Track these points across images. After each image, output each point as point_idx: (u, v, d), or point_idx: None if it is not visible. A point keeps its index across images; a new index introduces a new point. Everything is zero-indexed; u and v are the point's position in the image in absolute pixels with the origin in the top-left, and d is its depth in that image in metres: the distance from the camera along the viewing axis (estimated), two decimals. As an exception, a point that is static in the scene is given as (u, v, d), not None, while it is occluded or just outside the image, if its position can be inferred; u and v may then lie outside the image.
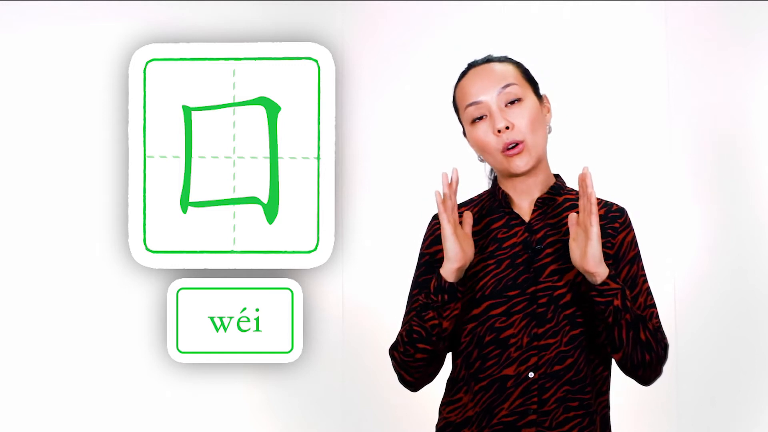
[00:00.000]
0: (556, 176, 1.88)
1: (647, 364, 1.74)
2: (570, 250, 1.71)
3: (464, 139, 1.89)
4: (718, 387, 3.00)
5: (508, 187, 1.84)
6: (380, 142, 3.21)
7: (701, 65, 3.05)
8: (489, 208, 1.85)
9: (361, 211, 3.21)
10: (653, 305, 1.80)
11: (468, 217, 1.76)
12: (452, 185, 1.73)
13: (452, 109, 1.91)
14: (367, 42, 3.21)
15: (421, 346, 1.75)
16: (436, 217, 1.87)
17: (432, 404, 1.89)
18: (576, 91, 2.97)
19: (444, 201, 1.72)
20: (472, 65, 1.85)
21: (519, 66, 1.83)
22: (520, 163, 1.77)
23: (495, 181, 1.88)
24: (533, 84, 1.83)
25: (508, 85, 1.78)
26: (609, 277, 1.68)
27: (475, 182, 2.01)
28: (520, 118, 1.77)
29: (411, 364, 1.78)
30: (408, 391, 1.85)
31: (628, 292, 1.72)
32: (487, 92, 1.78)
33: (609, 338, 1.71)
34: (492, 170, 1.91)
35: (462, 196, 1.92)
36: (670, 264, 3.03)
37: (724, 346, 3.00)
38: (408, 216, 2.46)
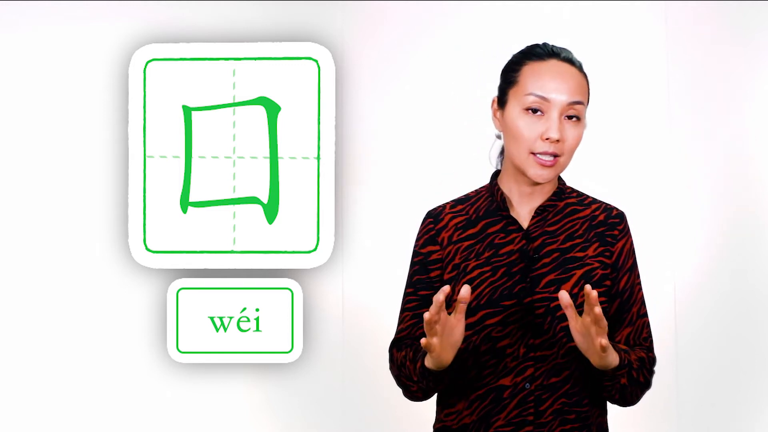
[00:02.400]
0: (558, 177, 1.82)
1: (641, 396, 1.75)
2: (576, 340, 1.62)
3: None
4: (718, 388, 2.99)
5: (510, 188, 1.79)
6: (380, 142, 3.20)
7: (701, 65, 3.05)
8: (486, 209, 1.80)
9: (361, 211, 3.20)
10: (645, 314, 1.79)
11: (466, 295, 1.60)
12: (458, 304, 1.60)
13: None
14: (367, 42, 3.21)
15: (415, 391, 1.75)
16: (429, 215, 1.84)
17: (432, 405, 1.88)
18: (576, 91, 2.97)
19: (437, 313, 1.58)
20: (554, 54, 1.74)
21: (588, 84, 1.77)
22: (545, 175, 1.71)
23: (494, 179, 1.83)
24: (588, 104, 1.77)
25: (579, 102, 1.71)
26: (620, 360, 1.64)
27: (471, 181, 2.01)
28: (571, 137, 1.70)
29: (409, 390, 1.77)
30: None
31: (633, 356, 1.69)
32: (560, 95, 1.69)
33: (609, 394, 1.72)
34: (498, 161, 1.86)
35: (458, 191, 1.91)
36: (670, 264, 3.03)
37: (724, 346, 2.99)
38: (408, 216, 2.45)
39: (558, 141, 1.69)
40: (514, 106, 1.73)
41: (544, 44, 1.76)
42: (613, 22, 3.10)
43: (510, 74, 1.76)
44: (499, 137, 1.81)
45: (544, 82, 1.70)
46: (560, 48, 1.76)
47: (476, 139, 2.06)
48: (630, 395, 1.71)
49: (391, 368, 1.81)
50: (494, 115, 1.79)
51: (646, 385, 1.74)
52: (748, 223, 3.00)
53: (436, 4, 3.18)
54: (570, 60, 1.74)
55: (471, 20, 3.16)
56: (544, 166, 1.70)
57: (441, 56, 3.15)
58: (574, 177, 2.01)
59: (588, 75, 1.77)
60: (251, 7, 3.07)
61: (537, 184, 1.76)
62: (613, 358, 1.62)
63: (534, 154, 1.70)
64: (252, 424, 3.09)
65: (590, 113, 2.14)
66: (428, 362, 1.66)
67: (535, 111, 1.70)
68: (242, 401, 3.09)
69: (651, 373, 1.75)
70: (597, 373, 1.67)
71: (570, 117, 1.71)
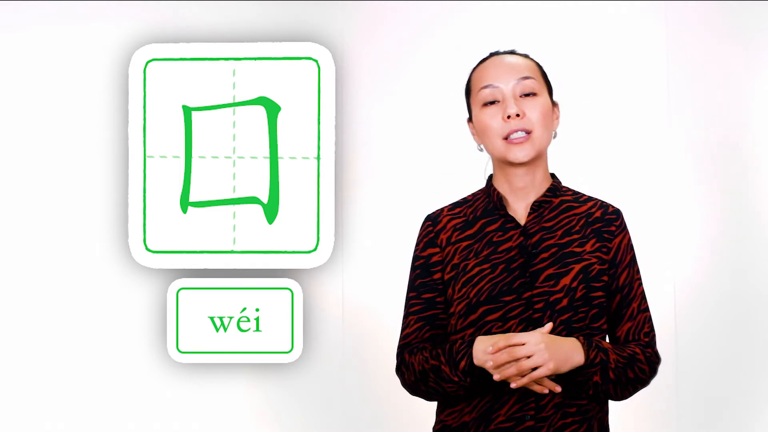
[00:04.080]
0: (552, 176, 1.86)
1: (635, 391, 1.78)
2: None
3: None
4: (719, 388, 2.99)
5: (504, 188, 1.82)
6: (380, 142, 3.21)
7: (701, 66, 3.05)
8: (483, 210, 1.83)
9: (361, 211, 3.20)
10: (647, 309, 1.81)
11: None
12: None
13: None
14: (368, 42, 3.21)
15: (454, 391, 1.75)
16: (427, 219, 1.87)
17: (432, 405, 1.88)
18: (575, 92, 2.97)
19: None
20: (494, 53, 1.85)
21: (539, 66, 1.84)
22: (521, 154, 1.76)
23: (490, 181, 1.86)
24: (549, 86, 1.83)
25: (527, 78, 1.78)
26: (586, 360, 1.69)
27: (471, 181, 2.01)
28: (532, 109, 1.77)
29: (445, 391, 1.77)
30: (409, 394, 1.85)
31: (615, 355, 1.72)
32: (505, 79, 1.77)
33: (584, 390, 1.74)
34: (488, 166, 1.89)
35: (456, 196, 1.92)
36: (670, 264, 3.03)
37: (725, 346, 2.99)
38: (408, 216, 2.45)
39: (519, 116, 1.75)
40: (475, 109, 1.81)
41: (489, 53, 1.86)
42: (613, 22, 3.11)
43: (466, 88, 1.86)
44: (481, 150, 1.87)
45: (488, 74, 1.80)
46: (507, 50, 1.85)
47: (472, 143, 2.06)
48: (616, 390, 1.73)
49: (404, 373, 1.81)
50: (472, 133, 1.86)
51: (639, 380, 1.75)
52: (747, 223, 3.01)
53: (436, 4, 3.19)
54: (511, 52, 1.84)
55: (471, 20, 3.16)
56: (518, 144, 1.76)
57: (441, 56, 3.15)
58: (574, 176, 2.02)
59: (543, 65, 1.85)
60: (251, 7, 3.07)
61: (527, 171, 1.80)
62: (579, 358, 1.68)
63: (506, 139, 1.76)
64: (252, 425, 3.09)
65: (590, 113, 2.14)
66: (483, 362, 1.68)
67: (492, 103, 1.78)
68: (242, 401, 3.09)
69: (647, 368, 1.76)
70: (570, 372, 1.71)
71: (526, 95, 1.77)
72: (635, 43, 3.09)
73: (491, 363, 1.66)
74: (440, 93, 3.15)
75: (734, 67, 3.02)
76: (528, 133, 1.75)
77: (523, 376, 1.65)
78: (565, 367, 1.67)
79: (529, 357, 1.64)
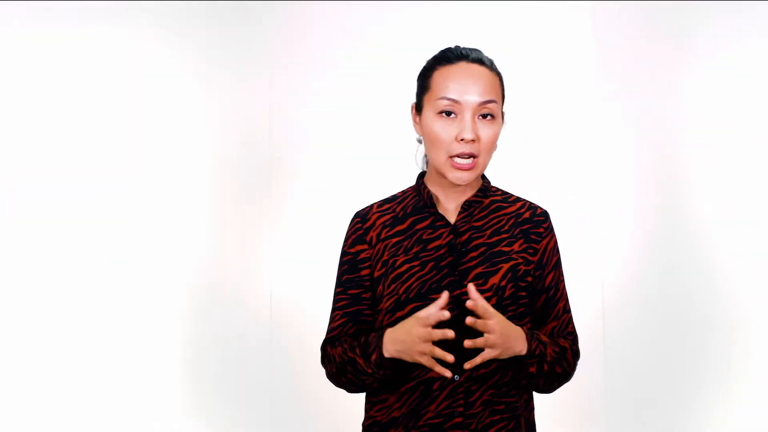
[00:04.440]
0: (482, 176, 1.87)
1: (559, 385, 1.80)
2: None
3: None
4: (646, 387, 3.03)
5: (436, 186, 1.83)
6: (307, 143, 3.21)
7: (630, 66, 3.08)
8: (414, 207, 1.83)
9: (289, 211, 3.21)
10: (570, 309, 1.85)
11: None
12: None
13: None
14: (296, 41, 3.22)
15: (370, 383, 1.75)
16: (356, 216, 1.86)
17: (360, 401, 1.89)
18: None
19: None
20: (462, 56, 1.77)
21: (502, 81, 1.79)
22: (464, 177, 1.75)
23: (420, 179, 1.86)
24: (503, 100, 1.81)
25: (491, 101, 1.74)
26: (528, 350, 1.70)
27: (398, 181, 2.02)
28: (486, 136, 1.74)
29: (363, 383, 1.77)
30: (335, 387, 1.86)
31: (550, 349, 1.74)
32: (470, 96, 1.73)
33: (516, 380, 1.76)
34: (424, 163, 1.89)
35: (385, 192, 1.92)
36: (598, 265, 3.06)
37: (652, 346, 3.03)
38: (335, 215, 2.45)
39: (473, 141, 1.72)
40: (429, 111, 1.77)
41: (456, 47, 1.80)
42: (541, 22, 3.13)
43: (423, 80, 1.80)
44: (420, 141, 1.84)
45: (454, 85, 1.74)
46: (470, 49, 1.79)
47: (401, 140, 2.08)
48: (544, 383, 1.76)
49: (327, 365, 1.81)
50: (414, 120, 1.83)
51: (565, 375, 1.78)
52: (675, 225, 3.04)
53: (365, 4, 3.19)
54: (480, 60, 1.77)
55: (399, 21, 3.17)
56: (461, 169, 1.74)
57: (371, 55, 3.16)
58: (502, 178, 2.04)
59: (501, 73, 1.80)
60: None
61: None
62: (522, 346, 1.68)
63: (451, 158, 1.74)
64: (181, 422, 3.05)
65: (519, 114, 2.17)
66: (393, 352, 1.67)
67: (448, 114, 1.74)
68: (173, 399, 3.06)
69: (572, 364, 1.80)
70: (507, 360, 1.72)
71: (484, 116, 1.74)
72: (564, 43, 3.12)
73: (425, 351, 1.62)
74: (370, 92, 3.16)
75: (662, 67, 3.05)
76: (474, 158, 1.73)
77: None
78: (507, 354, 1.67)
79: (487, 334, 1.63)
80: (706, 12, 3.01)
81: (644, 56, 3.07)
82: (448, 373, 1.64)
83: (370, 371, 1.71)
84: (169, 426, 3.01)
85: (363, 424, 1.84)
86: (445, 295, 1.63)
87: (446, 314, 1.61)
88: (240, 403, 3.13)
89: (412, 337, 1.63)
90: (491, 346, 1.63)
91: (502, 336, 1.64)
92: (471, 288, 1.65)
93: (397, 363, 1.70)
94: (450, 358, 1.61)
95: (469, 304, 1.63)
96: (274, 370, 3.16)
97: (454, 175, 1.75)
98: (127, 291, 2.98)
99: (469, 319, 1.61)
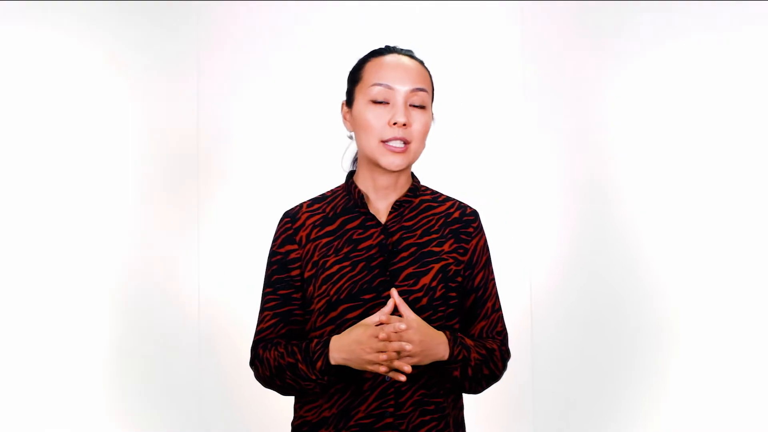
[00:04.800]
0: (412, 175, 1.87)
1: (488, 386, 1.81)
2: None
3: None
4: (574, 386, 3.05)
5: (367, 185, 1.83)
6: (236, 141, 3.18)
7: (556, 66, 3.10)
8: (344, 207, 1.83)
9: (218, 209, 3.18)
10: (500, 308, 1.86)
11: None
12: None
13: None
14: (224, 41, 3.20)
15: (312, 388, 1.75)
16: (286, 215, 1.85)
17: (289, 401, 1.88)
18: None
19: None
20: (393, 50, 1.81)
21: (431, 77, 1.83)
22: (396, 162, 1.76)
23: (350, 178, 1.86)
24: (433, 98, 1.84)
25: (421, 89, 1.77)
26: (450, 355, 1.71)
27: (326, 180, 2.01)
28: (418, 122, 1.76)
29: (303, 388, 1.76)
30: (263, 387, 1.84)
31: (475, 353, 1.75)
32: (402, 83, 1.75)
33: (441, 382, 1.78)
34: (352, 164, 1.90)
35: (313, 190, 1.92)
36: (526, 264, 3.08)
37: (580, 345, 3.05)
38: (264, 214, 2.43)
39: (405, 125, 1.74)
40: (360, 101, 1.78)
41: (387, 46, 1.84)
42: (469, 22, 3.14)
43: (355, 74, 1.82)
44: (351, 137, 1.85)
45: (386, 72, 1.77)
46: (406, 49, 1.83)
47: (330, 139, 2.07)
48: (470, 385, 1.77)
49: (258, 368, 1.79)
50: (344, 117, 1.84)
51: (492, 377, 1.80)
52: (603, 224, 3.07)
53: (294, 4, 3.18)
54: (410, 54, 1.82)
55: (327, 21, 3.16)
56: (395, 152, 1.75)
57: (300, 54, 3.15)
58: (430, 176, 2.05)
59: (432, 73, 1.84)
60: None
61: (392, 173, 1.80)
62: (444, 351, 1.70)
63: (384, 142, 1.75)
64: (104, 422, 3.00)
65: (446, 113, 2.18)
66: (340, 360, 1.68)
67: (380, 102, 1.76)
68: (98, 399, 3.01)
69: (501, 365, 1.81)
70: (431, 365, 1.74)
71: (415, 106, 1.77)
72: (491, 43, 3.13)
73: (384, 356, 1.65)
74: (298, 90, 3.15)
75: (587, 67, 3.08)
76: (406, 143, 1.75)
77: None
78: (427, 360, 1.69)
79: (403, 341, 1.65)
80: (632, 13, 3.05)
81: (571, 56, 3.09)
82: (402, 378, 1.66)
83: (314, 377, 1.71)
84: (93, 427, 2.96)
85: (292, 424, 1.83)
86: (390, 303, 1.68)
87: (401, 326, 1.65)
88: (168, 404, 3.09)
89: (363, 346, 1.65)
90: (408, 355, 1.65)
91: (420, 344, 1.66)
92: (394, 292, 1.68)
93: (341, 369, 1.71)
94: (408, 368, 1.65)
95: (385, 309, 1.67)
96: (202, 370, 3.13)
97: (387, 160, 1.76)
98: (50, 291, 2.93)
99: (386, 328, 1.65)
